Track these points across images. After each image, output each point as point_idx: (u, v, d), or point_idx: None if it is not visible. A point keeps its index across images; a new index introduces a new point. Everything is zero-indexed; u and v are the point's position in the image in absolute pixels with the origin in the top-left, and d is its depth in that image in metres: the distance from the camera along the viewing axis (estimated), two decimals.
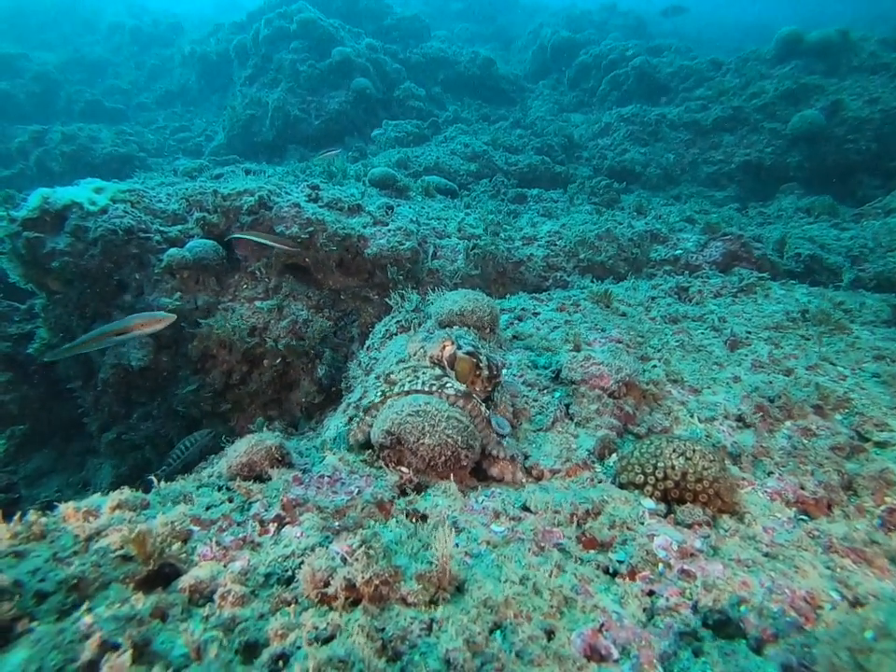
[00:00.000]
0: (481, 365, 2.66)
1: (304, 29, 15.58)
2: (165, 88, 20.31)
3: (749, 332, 4.48)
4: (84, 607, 1.44)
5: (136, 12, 25.68)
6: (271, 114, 14.50)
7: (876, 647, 1.16)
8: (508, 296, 5.73)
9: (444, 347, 2.58)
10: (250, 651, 1.35)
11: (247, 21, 19.19)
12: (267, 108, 14.61)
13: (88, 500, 1.91)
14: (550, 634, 1.51)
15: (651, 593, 1.77)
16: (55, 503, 1.87)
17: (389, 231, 5.85)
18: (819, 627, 1.58)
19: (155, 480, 2.15)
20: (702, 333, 4.50)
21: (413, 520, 2.00)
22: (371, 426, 2.51)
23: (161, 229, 5.38)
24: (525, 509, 2.20)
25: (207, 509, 1.94)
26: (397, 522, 1.95)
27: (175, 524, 1.69)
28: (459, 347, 2.60)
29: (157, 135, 16.70)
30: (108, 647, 1.32)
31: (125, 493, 1.96)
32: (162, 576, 1.60)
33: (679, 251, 7.14)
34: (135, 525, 1.73)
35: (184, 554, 1.66)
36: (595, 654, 1.48)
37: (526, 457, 2.65)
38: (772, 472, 2.73)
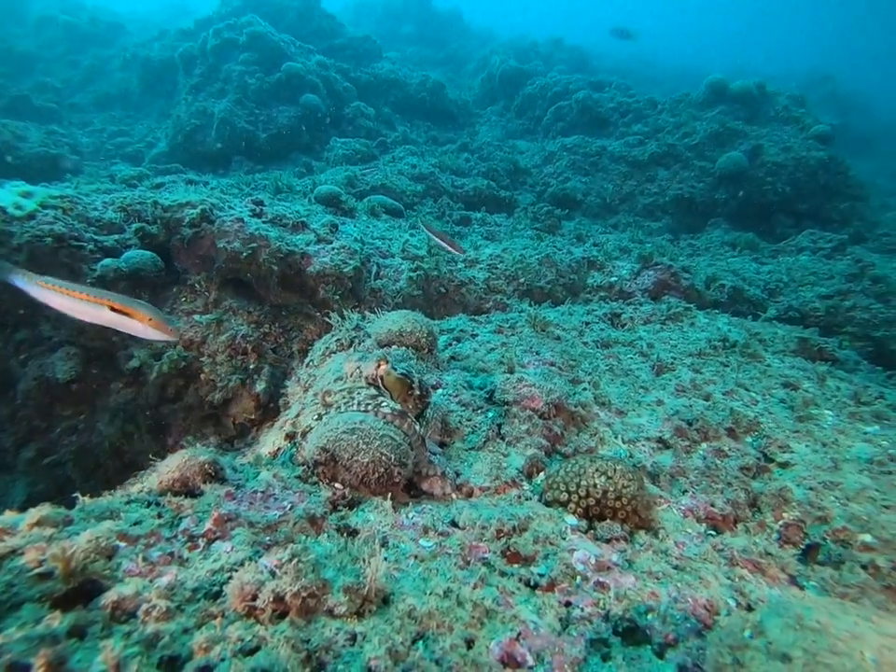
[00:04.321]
0: (413, 385, 2.73)
1: (254, 42, 15.48)
2: (104, 90, 19.46)
3: (675, 358, 4.74)
4: None
5: (70, 7, 24.40)
6: (217, 125, 14.26)
7: (751, 644, 1.30)
8: (448, 317, 5.86)
9: (379, 366, 2.64)
10: (173, 664, 1.36)
11: (195, 28, 18.86)
12: (213, 119, 14.36)
13: (2, 518, 1.84)
14: (470, 643, 1.58)
15: (567, 604, 1.88)
16: None
17: (333, 249, 5.89)
18: (715, 630, 1.73)
19: (80, 496, 2.09)
20: (631, 358, 4.74)
21: (344, 535, 2.04)
22: None
23: (96, 238, 5.22)
24: (454, 524, 2.27)
25: (135, 524, 1.91)
26: (328, 536, 1.99)
27: (100, 539, 1.67)
28: (394, 368, 2.67)
29: (93, 138, 16.01)
30: (18, 668, 1.30)
31: (45, 509, 1.90)
32: (84, 593, 1.57)
33: (615, 278, 7.49)
34: (56, 542, 1.70)
35: (108, 571, 1.64)
36: (511, 661, 1.56)
37: (458, 475, 2.73)
38: (686, 490, 2.92)
